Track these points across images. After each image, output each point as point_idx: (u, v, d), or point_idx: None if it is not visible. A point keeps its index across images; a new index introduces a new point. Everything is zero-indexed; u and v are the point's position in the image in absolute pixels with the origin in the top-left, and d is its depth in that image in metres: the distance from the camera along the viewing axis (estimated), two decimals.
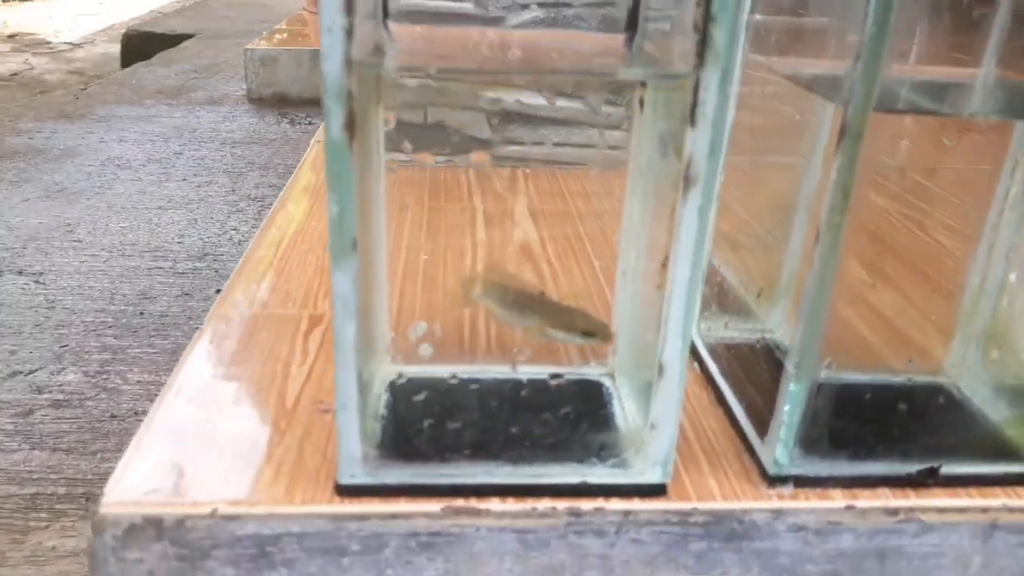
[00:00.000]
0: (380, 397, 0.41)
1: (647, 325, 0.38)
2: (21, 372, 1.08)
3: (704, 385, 0.47)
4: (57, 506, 0.87)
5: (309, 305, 0.51)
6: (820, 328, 0.37)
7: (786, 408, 0.38)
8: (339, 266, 0.32)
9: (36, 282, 1.30)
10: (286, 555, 0.35)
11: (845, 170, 0.34)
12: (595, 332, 0.39)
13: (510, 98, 0.41)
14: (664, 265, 0.35)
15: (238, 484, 0.36)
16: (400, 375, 0.42)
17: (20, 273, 1.33)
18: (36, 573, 0.80)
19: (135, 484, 0.36)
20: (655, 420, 0.36)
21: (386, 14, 0.36)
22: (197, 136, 2.03)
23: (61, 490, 0.89)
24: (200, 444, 0.39)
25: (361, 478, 0.36)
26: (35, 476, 0.90)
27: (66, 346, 1.14)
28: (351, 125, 0.30)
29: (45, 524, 0.84)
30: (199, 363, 0.45)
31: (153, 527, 0.34)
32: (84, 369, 1.08)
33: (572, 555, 0.37)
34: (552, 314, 0.40)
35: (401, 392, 0.41)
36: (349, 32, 0.28)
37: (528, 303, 0.40)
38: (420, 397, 0.41)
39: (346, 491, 0.36)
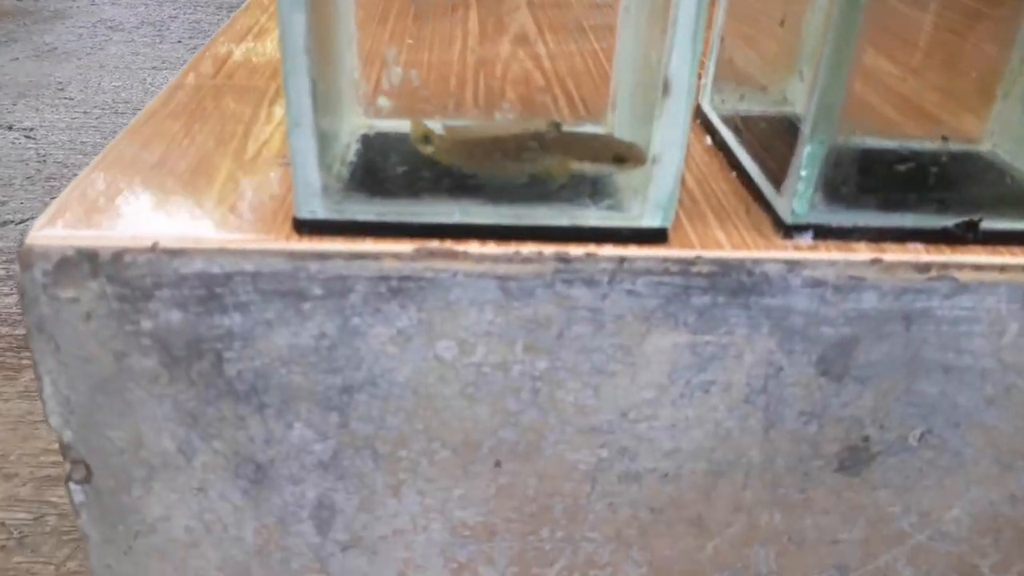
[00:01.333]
0: (349, 147, 0.36)
1: (651, 44, 0.33)
2: (12, 221, 1.04)
3: (715, 155, 0.42)
4: None
5: (278, 79, 0.46)
6: (852, 47, 0.32)
7: (807, 149, 0.33)
8: None
9: (27, 136, 1.26)
10: (239, 298, 0.32)
11: None
12: (628, 156, 0.34)
13: None
14: None
15: (184, 221, 0.32)
16: (372, 128, 0.38)
17: (10, 128, 1.28)
18: (29, 407, 0.80)
19: (70, 218, 0.32)
20: (658, 151, 0.32)
21: None
22: (192, 0, 1.94)
23: None
24: (146, 184, 0.35)
25: (322, 213, 0.32)
26: None
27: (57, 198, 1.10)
28: None
29: None
30: (154, 119, 0.40)
31: (88, 261, 0.31)
32: None
33: (560, 307, 0.33)
34: (571, 146, 0.35)
35: (373, 141, 0.37)
36: None
37: (530, 142, 0.34)
38: (394, 145, 0.36)
39: (305, 227, 0.32)
